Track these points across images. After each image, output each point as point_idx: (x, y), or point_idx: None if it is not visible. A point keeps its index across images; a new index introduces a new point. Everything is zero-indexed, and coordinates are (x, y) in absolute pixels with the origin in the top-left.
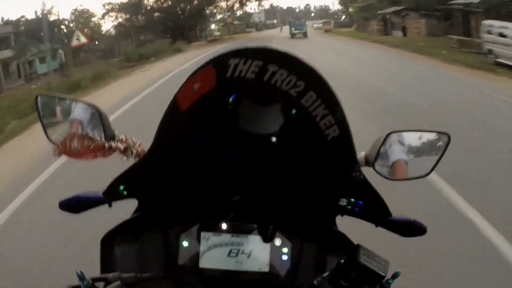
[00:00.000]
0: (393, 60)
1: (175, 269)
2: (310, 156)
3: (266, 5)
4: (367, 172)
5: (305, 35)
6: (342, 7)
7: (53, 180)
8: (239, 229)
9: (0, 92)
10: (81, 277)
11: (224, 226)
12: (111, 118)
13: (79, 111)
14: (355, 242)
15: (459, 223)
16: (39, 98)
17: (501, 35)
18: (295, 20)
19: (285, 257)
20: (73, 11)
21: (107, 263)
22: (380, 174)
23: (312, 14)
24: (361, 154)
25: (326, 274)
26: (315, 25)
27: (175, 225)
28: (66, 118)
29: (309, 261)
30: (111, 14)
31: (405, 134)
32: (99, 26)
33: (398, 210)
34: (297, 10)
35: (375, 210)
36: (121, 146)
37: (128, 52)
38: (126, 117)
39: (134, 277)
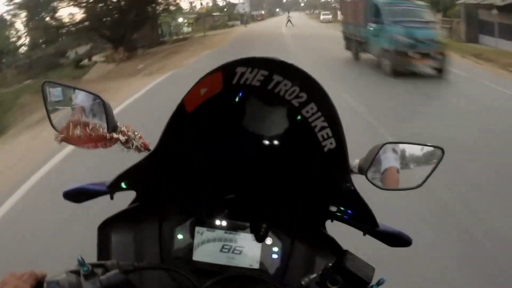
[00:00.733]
0: None
1: (169, 260)
2: (305, 163)
3: None
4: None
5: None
6: None
7: None
8: (232, 226)
9: None
10: (81, 263)
11: (218, 222)
12: None
13: (83, 100)
14: (343, 245)
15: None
16: (45, 85)
17: None
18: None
19: (275, 256)
20: None
21: (103, 249)
22: (372, 183)
23: (302, 4)
24: (355, 162)
25: (314, 275)
26: (322, 17)
27: (171, 217)
28: (71, 106)
29: (298, 261)
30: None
31: (400, 145)
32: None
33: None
34: (284, 0)
35: (363, 220)
36: (122, 138)
37: None
38: None
39: (131, 266)
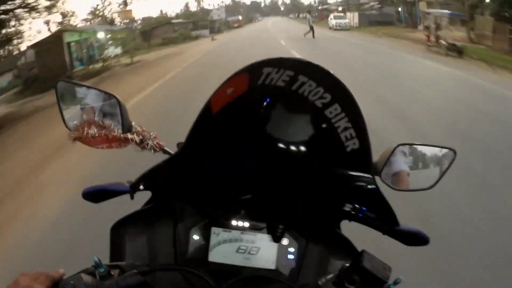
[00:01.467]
0: None
1: (184, 261)
2: (327, 163)
3: (227, 0)
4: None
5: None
6: None
7: None
8: (249, 226)
9: None
10: (98, 264)
11: (234, 222)
12: None
13: (98, 100)
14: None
15: None
16: (58, 84)
17: None
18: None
19: (290, 256)
20: None
21: (117, 250)
22: (385, 183)
23: (282, 8)
24: None
25: (331, 275)
26: (335, 21)
27: (186, 218)
28: (85, 105)
29: (313, 261)
30: None
31: (413, 147)
32: None
33: None
34: (262, 5)
35: (384, 219)
36: (137, 138)
37: None
38: None
39: (147, 267)
